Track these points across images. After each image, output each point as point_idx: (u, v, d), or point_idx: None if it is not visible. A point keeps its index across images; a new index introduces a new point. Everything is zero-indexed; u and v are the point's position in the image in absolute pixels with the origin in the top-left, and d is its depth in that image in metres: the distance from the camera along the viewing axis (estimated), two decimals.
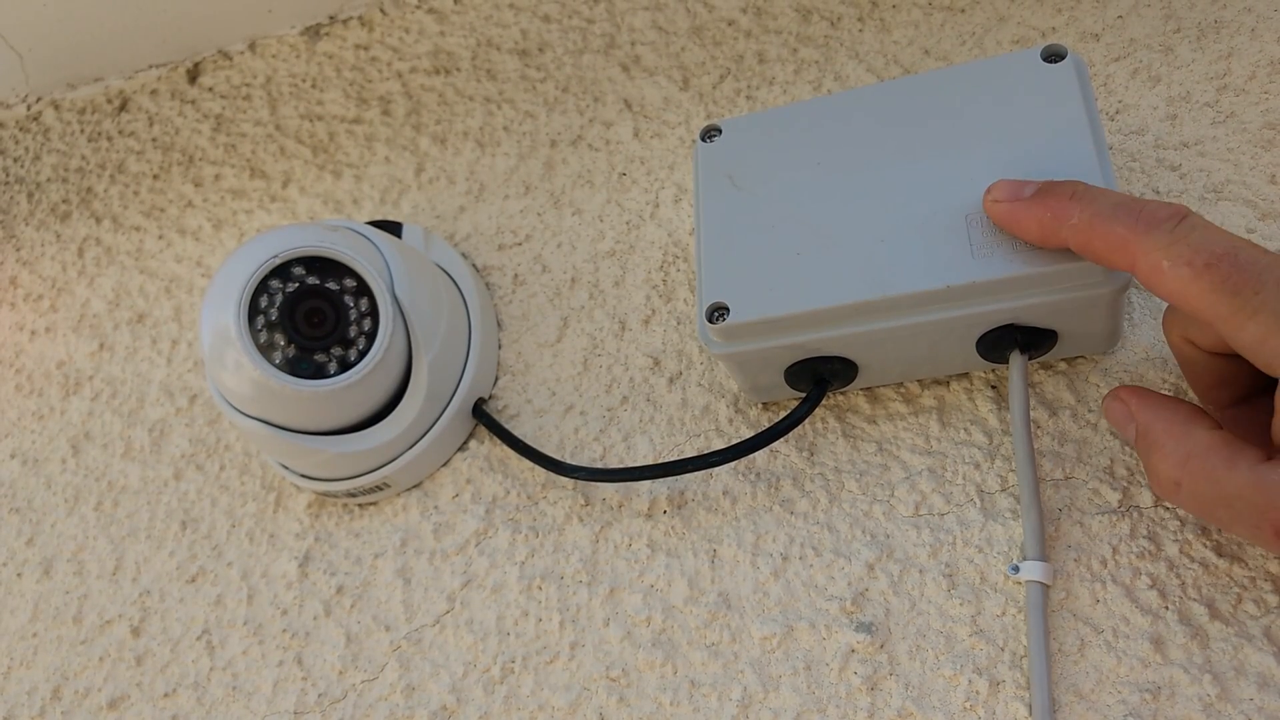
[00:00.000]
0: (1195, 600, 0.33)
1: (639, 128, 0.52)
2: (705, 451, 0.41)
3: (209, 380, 0.44)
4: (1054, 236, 0.30)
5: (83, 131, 0.67)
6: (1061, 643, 0.33)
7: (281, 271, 0.41)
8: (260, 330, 0.41)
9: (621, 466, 0.43)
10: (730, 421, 0.42)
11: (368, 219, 0.54)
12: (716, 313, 0.36)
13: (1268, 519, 0.26)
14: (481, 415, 0.45)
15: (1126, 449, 0.36)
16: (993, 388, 0.39)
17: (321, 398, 0.41)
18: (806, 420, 0.40)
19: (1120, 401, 0.32)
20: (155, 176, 0.63)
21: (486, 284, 0.50)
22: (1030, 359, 0.37)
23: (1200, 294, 0.26)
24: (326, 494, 0.46)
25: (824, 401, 0.40)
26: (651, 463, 0.42)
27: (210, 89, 0.65)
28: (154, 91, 0.67)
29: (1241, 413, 0.32)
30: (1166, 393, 0.34)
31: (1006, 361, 0.36)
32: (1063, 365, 0.38)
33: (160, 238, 0.60)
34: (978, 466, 0.38)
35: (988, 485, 0.37)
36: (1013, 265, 0.32)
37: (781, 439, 0.39)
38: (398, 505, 0.46)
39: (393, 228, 0.50)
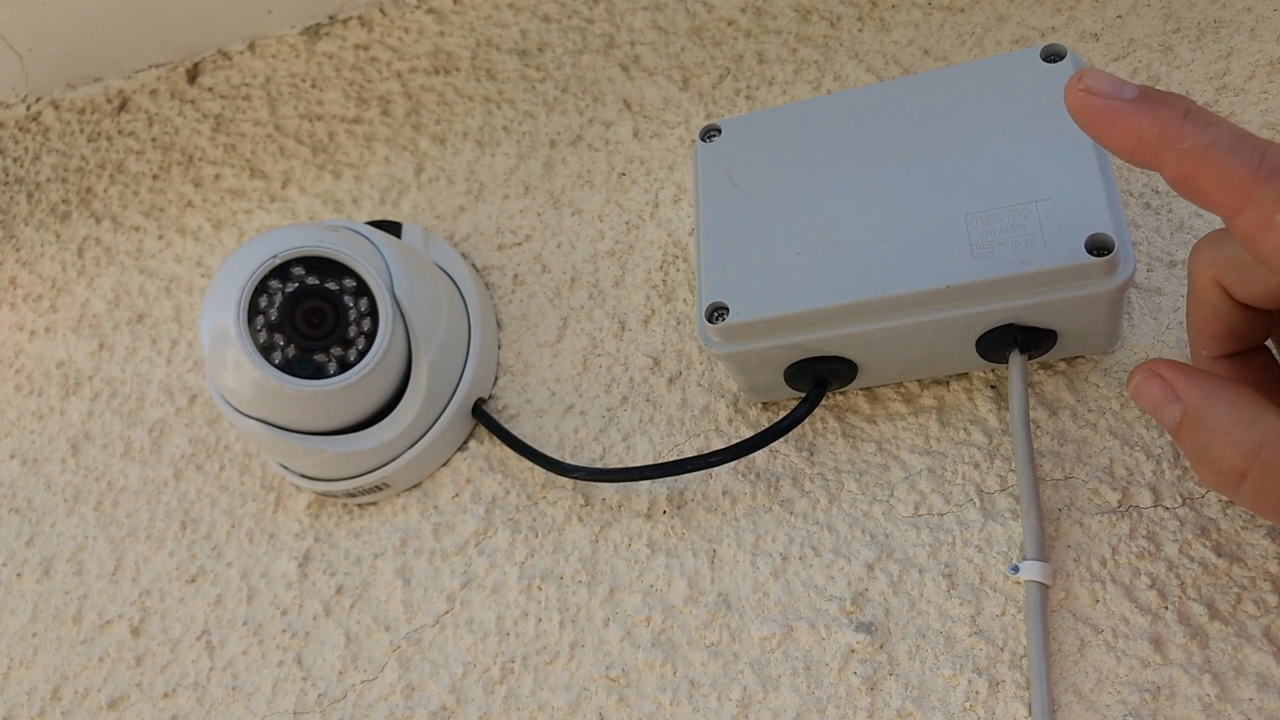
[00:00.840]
0: (1195, 600, 0.33)
1: (638, 128, 0.52)
2: (705, 451, 0.41)
3: (209, 380, 0.44)
4: (1152, 155, 0.26)
5: (82, 131, 0.67)
6: (1061, 643, 0.33)
7: (281, 271, 0.41)
8: (260, 330, 0.41)
9: (621, 466, 0.43)
10: (730, 421, 0.42)
11: (367, 219, 0.54)
12: (716, 312, 0.36)
13: None
14: (481, 415, 0.45)
15: (1127, 449, 0.36)
16: (992, 388, 0.39)
17: (321, 398, 0.41)
18: (806, 420, 0.40)
19: (1159, 379, 0.28)
20: (155, 176, 0.63)
21: (486, 284, 0.50)
22: (1030, 359, 0.37)
23: None
24: (326, 494, 0.46)
25: (824, 401, 0.40)
26: (651, 463, 0.42)
27: (210, 89, 0.65)
28: (154, 91, 0.67)
29: (1237, 364, 0.31)
30: None
31: (1006, 361, 0.36)
32: (1062, 365, 0.38)
33: (160, 238, 0.60)
34: (977, 466, 0.38)
35: (987, 485, 0.37)
36: (1012, 265, 0.32)
37: (781, 439, 0.39)
38: (397, 505, 0.46)
39: (392, 228, 0.50)
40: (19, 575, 0.51)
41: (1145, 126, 0.26)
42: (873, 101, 0.38)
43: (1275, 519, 0.28)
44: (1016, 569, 0.35)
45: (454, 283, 0.48)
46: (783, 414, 0.41)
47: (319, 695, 0.42)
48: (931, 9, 0.49)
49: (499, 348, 0.48)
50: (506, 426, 0.45)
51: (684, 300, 0.46)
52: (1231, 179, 0.24)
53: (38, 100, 0.70)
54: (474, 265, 0.51)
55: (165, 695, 0.45)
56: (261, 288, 0.41)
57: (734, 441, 0.41)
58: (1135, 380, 0.29)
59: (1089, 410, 0.37)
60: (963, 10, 0.48)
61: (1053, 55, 0.36)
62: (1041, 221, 0.33)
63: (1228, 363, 0.31)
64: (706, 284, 0.37)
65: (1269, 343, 0.32)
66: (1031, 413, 0.37)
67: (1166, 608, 0.33)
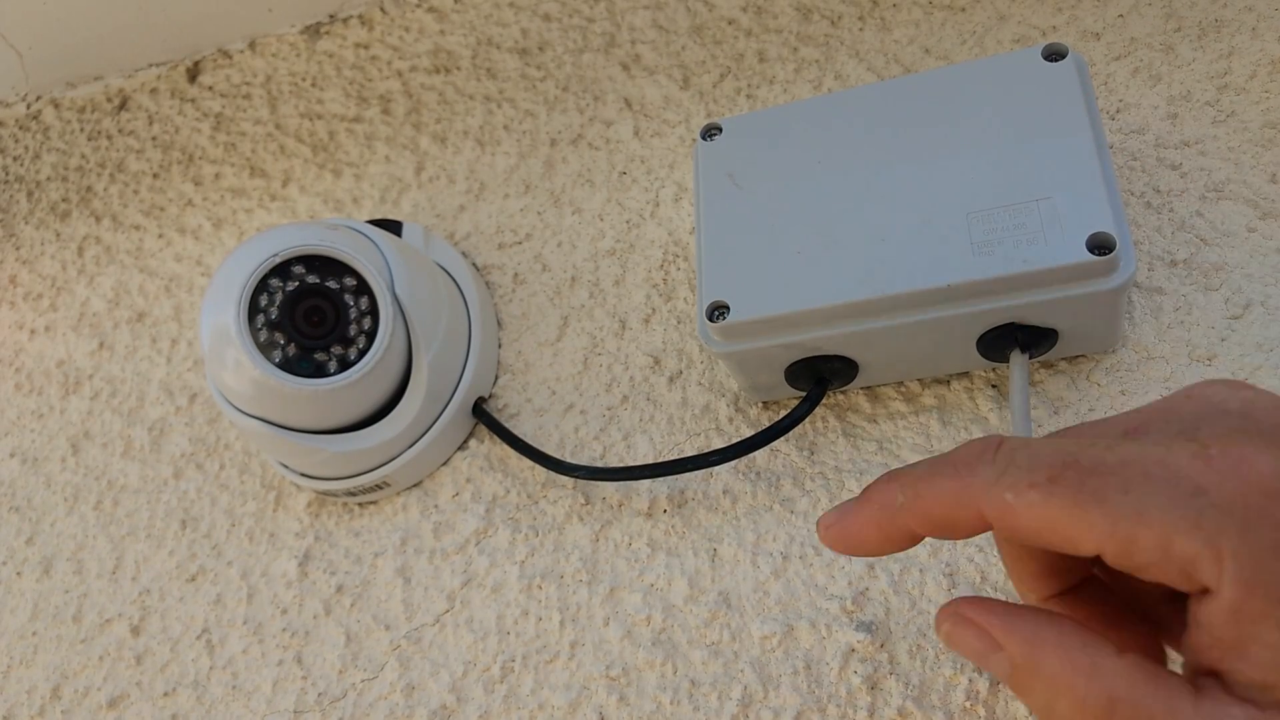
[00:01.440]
0: None
1: (639, 126, 0.52)
2: (705, 451, 0.41)
3: (209, 379, 0.44)
4: (894, 531, 0.26)
5: (82, 130, 0.67)
6: None
7: (281, 270, 0.41)
8: (260, 329, 0.41)
9: (621, 466, 0.43)
10: (730, 420, 0.42)
11: (368, 218, 0.54)
12: (717, 311, 0.36)
13: None
14: (481, 414, 0.45)
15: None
16: (993, 387, 0.39)
17: (321, 397, 0.41)
18: (807, 419, 0.40)
19: (969, 623, 0.25)
20: (155, 175, 0.63)
21: (486, 283, 0.50)
22: (1031, 358, 0.36)
23: (1061, 512, 0.22)
24: (326, 493, 0.46)
25: (824, 400, 0.40)
26: (651, 461, 0.42)
27: (210, 88, 0.65)
28: (154, 90, 0.67)
29: (1068, 601, 0.27)
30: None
31: (1007, 361, 0.36)
32: (1063, 364, 0.38)
33: (160, 236, 0.60)
34: None
35: None
36: (1013, 263, 0.32)
37: (781, 438, 0.39)
38: (398, 504, 0.46)
39: (393, 226, 0.50)
40: (19, 574, 0.51)
41: (872, 513, 0.26)
42: (874, 100, 0.38)
43: None
44: None
45: (454, 282, 0.48)
46: (783, 413, 0.41)
47: (319, 694, 0.42)
48: (933, 8, 0.49)
49: (499, 347, 0.48)
50: (507, 425, 0.45)
51: (684, 299, 0.46)
52: (949, 495, 0.24)
53: (38, 99, 0.69)
54: (474, 264, 0.51)
55: (165, 694, 0.45)
56: (262, 286, 0.41)
57: (734, 441, 0.41)
58: (945, 627, 0.26)
59: (1090, 409, 0.37)
60: (964, 9, 0.48)
61: (1054, 54, 0.36)
62: (1043, 220, 0.33)
63: (1059, 601, 0.27)
64: (707, 283, 0.37)
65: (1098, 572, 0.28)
66: (1033, 412, 0.37)
67: None
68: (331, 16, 0.64)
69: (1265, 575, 0.20)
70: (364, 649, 0.42)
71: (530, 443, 0.44)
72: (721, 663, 0.37)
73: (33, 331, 0.60)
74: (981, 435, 0.38)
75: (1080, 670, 0.23)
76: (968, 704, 0.33)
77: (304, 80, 0.62)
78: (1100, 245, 0.31)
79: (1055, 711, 0.23)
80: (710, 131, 0.40)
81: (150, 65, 0.67)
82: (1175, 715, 0.21)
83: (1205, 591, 0.21)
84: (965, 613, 0.25)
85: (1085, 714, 0.22)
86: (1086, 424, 0.25)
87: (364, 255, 0.42)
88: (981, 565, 0.36)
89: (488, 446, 0.46)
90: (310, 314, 0.41)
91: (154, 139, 0.64)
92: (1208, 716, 0.21)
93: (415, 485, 0.46)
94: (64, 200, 0.65)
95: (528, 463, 0.44)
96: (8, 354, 0.60)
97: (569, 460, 0.43)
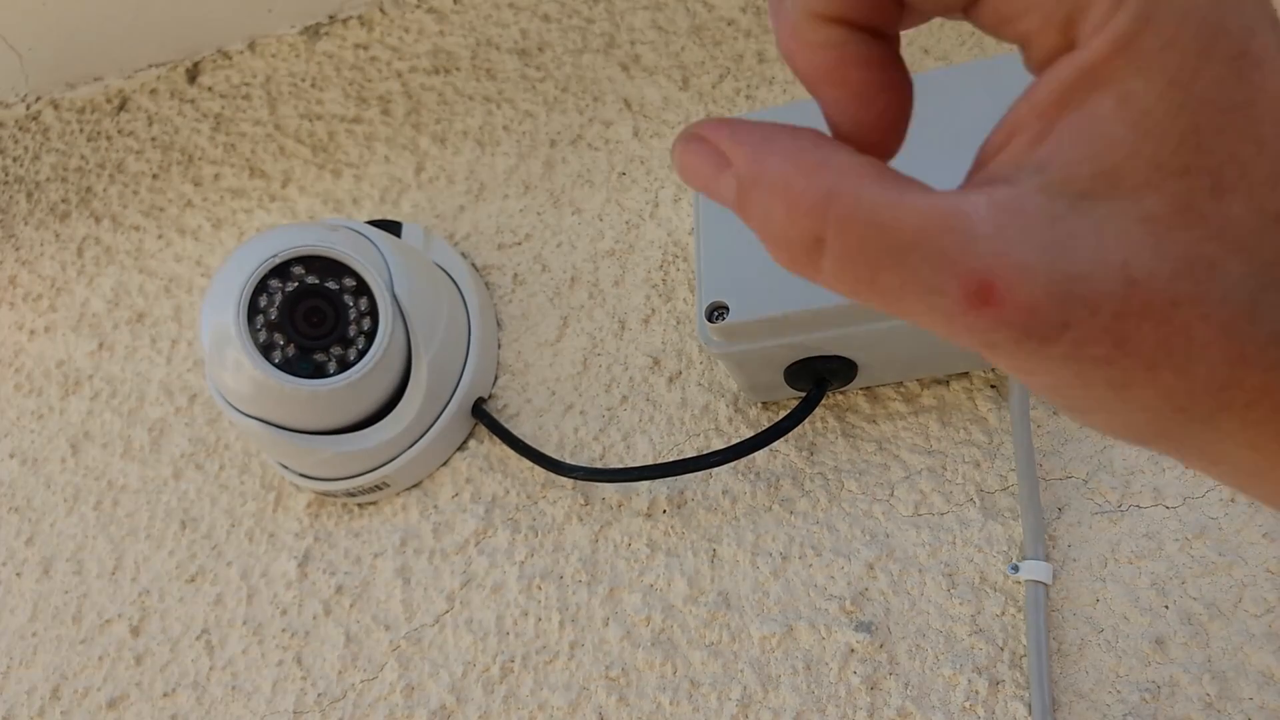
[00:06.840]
0: (1195, 599, 0.33)
1: (639, 127, 0.52)
2: (704, 451, 0.41)
3: (208, 380, 0.44)
4: None
5: (82, 131, 0.67)
6: (1061, 642, 0.33)
7: (281, 271, 0.41)
8: (260, 329, 0.41)
9: (621, 467, 0.43)
10: (730, 421, 0.42)
11: (367, 218, 0.54)
12: (716, 312, 0.36)
13: (957, 272, 0.17)
14: (481, 415, 0.45)
15: (1127, 447, 0.36)
16: (992, 387, 0.39)
17: (321, 397, 0.41)
18: (806, 420, 0.40)
19: (700, 141, 0.21)
20: (155, 176, 0.63)
21: (486, 283, 0.50)
22: None
23: None
24: (326, 493, 0.46)
25: (824, 401, 0.40)
26: (651, 462, 0.42)
27: (210, 88, 0.65)
28: (153, 91, 0.67)
29: (850, 43, 0.20)
30: None
31: None
32: None
33: (160, 237, 0.60)
34: (978, 466, 0.38)
35: (988, 484, 0.37)
36: None
37: (781, 438, 0.39)
38: (397, 505, 0.46)
39: (392, 227, 0.50)
40: (19, 575, 0.51)
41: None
42: None
43: (872, 299, 0.18)
44: (1017, 568, 0.35)
45: (454, 282, 0.48)
46: (783, 414, 0.40)
47: (319, 695, 0.42)
48: None
49: (499, 347, 0.48)
50: (506, 426, 0.45)
51: (684, 300, 0.46)
52: None
53: (37, 100, 0.69)
54: (474, 265, 0.51)
55: (165, 695, 0.45)
56: (261, 287, 0.41)
57: (734, 441, 0.41)
58: (676, 151, 0.21)
59: None
60: None
61: None
62: None
63: (839, 31, 0.20)
64: (706, 283, 0.37)
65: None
66: (1032, 411, 0.37)
67: (1167, 606, 0.33)
68: (331, 17, 0.64)
69: (1156, 26, 0.15)
70: (364, 649, 0.42)
71: (530, 443, 0.44)
72: (721, 663, 0.37)
73: (32, 332, 0.60)
74: (982, 435, 0.38)
75: (804, 169, 0.18)
76: (967, 704, 0.33)
77: (304, 81, 0.62)
78: None
79: (771, 219, 0.19)
80: None
81: (150, 66, 0.67)
82: (901, 201, 0.17)
83: (1067, 49, 0.16)
84: (697, 131, 0.21)
85: (798, 212, 0.18)
86: None
87: (364, 256, 0.42)
88: (981, 565, 0.36)
89: (487, 447, 0.46)
90: (310, 314, 0.42)
91: (153, 140, 0.64)
92: (945, 202, 0.17)
93: (415, 486, 0.46)
94: (64, 201, 0.65)
95: (527, 463, 0.44)
96: (8, 354, 0.60)
97: (568, 461, 0.43)
